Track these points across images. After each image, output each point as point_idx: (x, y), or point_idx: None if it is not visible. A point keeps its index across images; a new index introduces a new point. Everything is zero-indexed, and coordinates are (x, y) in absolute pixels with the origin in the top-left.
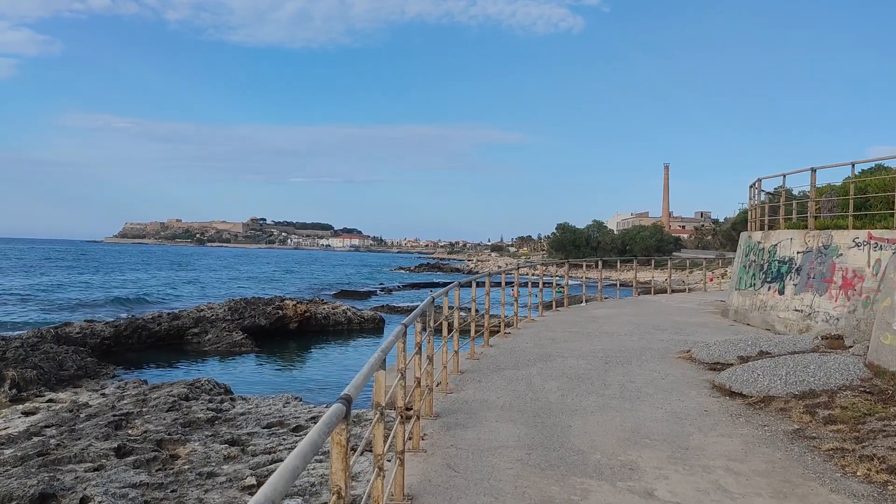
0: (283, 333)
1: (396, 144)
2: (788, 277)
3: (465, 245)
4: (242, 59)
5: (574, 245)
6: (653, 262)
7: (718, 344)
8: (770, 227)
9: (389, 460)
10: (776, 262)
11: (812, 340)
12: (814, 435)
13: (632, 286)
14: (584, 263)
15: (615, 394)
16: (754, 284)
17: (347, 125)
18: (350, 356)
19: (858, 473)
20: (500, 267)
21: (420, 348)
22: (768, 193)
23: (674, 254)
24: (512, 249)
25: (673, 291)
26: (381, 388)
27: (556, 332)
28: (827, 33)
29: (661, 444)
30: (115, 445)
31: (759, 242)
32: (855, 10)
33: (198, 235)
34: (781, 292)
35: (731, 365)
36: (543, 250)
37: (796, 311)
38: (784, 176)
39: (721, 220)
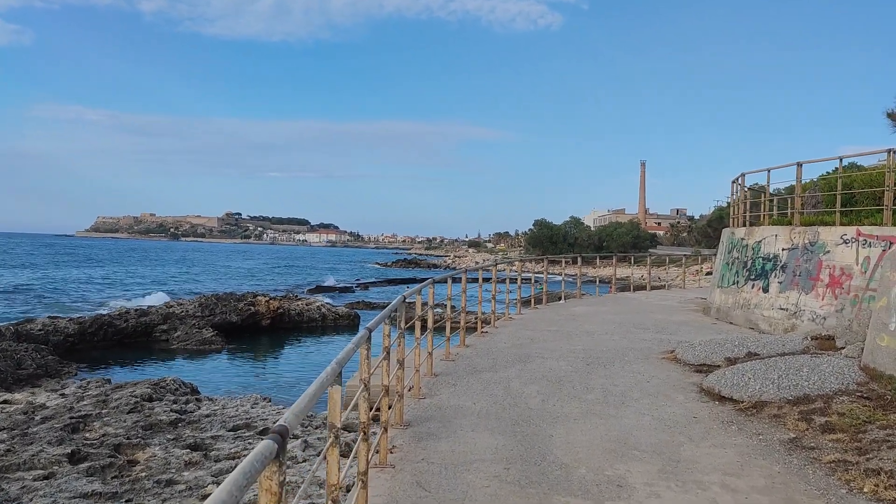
0: (255, 330)
1: (375, 140)
2: (773, 275)
3: (442, 241)
4: (219, 52)
5: (551, 241)
6: (631, 258)
7: (703, 344)
8: (753, 224)
9: (349, 488)
10: (760, 259)
11: (801, 341)
12: (812, 445)
13: (610, 283)
14: (563, 260)
15: (598, 399)
16: (737, 282)
17: (326, 120)
18: (323, 353)
19: (865, 490)
20: (477, 263)
21: (389, 353)
22: (750, 189)
23: (650, 250)
24: (489, 245)
25: (652, 288)
26: (335, 408)
27: (535, 330)
28: (802, 31)
29: (650, 457)
30: (69, 451)
31: (742, 239)
32: (831, 8)
33: (172, 230)
34: (766, 290)
35: (719, 367)
36: (521, 246)
37: (781, 309)
38: (768, 171)
39: (696, 217)
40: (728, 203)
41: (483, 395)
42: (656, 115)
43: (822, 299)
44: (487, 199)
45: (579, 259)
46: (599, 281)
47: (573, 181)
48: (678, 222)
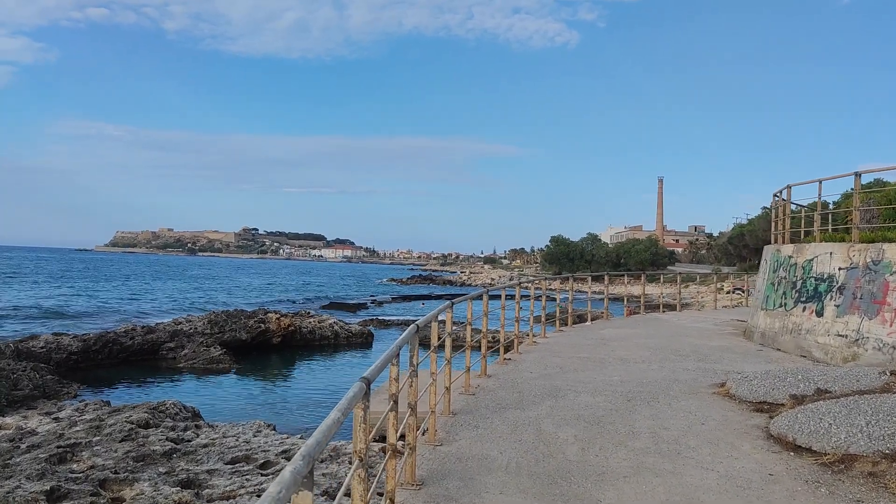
0: (265, 348)
1: (391, 156)
2: (828, 297)
3: (457, 257)
4: (239, 69)
5: (568, 258)
6: (661, 277)
7: (759, 377)
8: (801, 240)
9: None
10: (812, 280)
11: (878, 376)
12: None
13: (628, 301)
14: (590, 277)
15: (648, 447)
16: (785, 304)
17: (343, 136)
18: (335, 373)
19: None
20: (493, 279)
21: (396, 401)
22: (799, 205)
23: (668, 267)
24: (505, 262)
25: (681, 307)
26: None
27: (564, 357)
28: (820, 48)
29: None
30: (49, 487)
31: (790, 257)
32: (850, 26)
33: (189, 245)
34: (820, 314)
35: (782, 406)
36: (536, 263)
37: (839, 336)
38: (820, 182)
39: (715, 234)
40: (770, 218)
41: (511, 442)
42: (673, 132)
43: (891, 325)
44: (503, 215)
45: (606, 277)
46: (617, 299)
47: (589, 197)
48: (696, 239)
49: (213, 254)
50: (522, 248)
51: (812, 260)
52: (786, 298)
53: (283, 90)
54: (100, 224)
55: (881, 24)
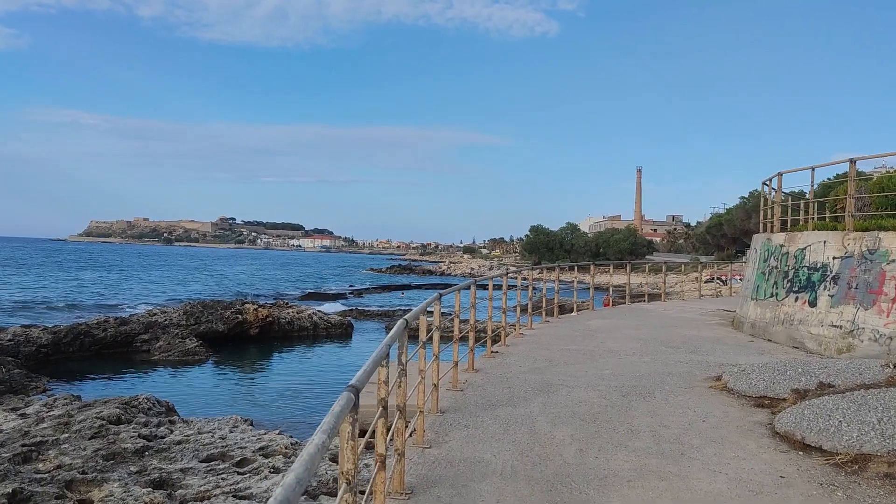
0: (242, 340)
1: (371, 145)
2: (822, 287)
3: (437, 246)
4: (217, 57)
5: (548, 247)
6: (646, 267)
7: (757, 369)
8: (792, 228)
9: None
10: (805, 269)
11: (882, 369)
12: None
13: (613, 290)
14: (576, 267)
15: (650, 447)
16: (777, 294)
17: (321, 125)
18: (313, 365)
19: None
20: (472, 269)
21: (386, 407)
22: (786, 193)
23: (647, 257)
24: (484, 251)
25: (663, 298)
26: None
27: (553, 350)
28: (797, 36)
29: None
30: (10, 490)
31: (781, 246)
32: (826, 12)
33: (165, 235)
34: (813, 304)
35: (783, 401)
36: (516, 252)
37: (833, 326)
38: (813, 169)
39: (693, 224)
40: (759, 206)
41: (504, 443)
42: (651, 122)
43: (887, 316)
44: (483, 204)
45: (592, 267)
46: (600, 289)
47: (568, 187)
48: (674, 229)
49: (189, 244)
50: (502, 238)
51: (805, 249)
52: (777, 288)
53: (262, 78)
54: (74, 213)
55: (862, 10)
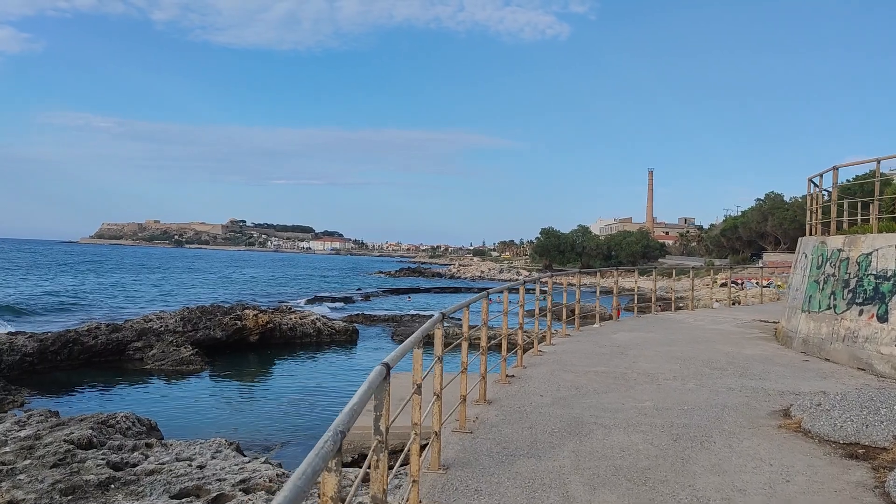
0: (242, 347)
1: (381, 148)
2: (893, 299)
3: (446, 249)
4: (229, 60)
5: (558, 250)
6: (672, 273)
7: (837, 404)
8: (850, 230)
9: None
10: (871, 278)
11: None
12: None
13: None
14: (599, 273)
15: None
16: (835, 306)
17: (332, 128)
18: (316, 376)
19: None
20: (482, 273)
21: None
22: (827, 191)
23: (659, 260)
24: (494, 254)
25: (691, 307)
26: None
27: (578, 372)
28: (812, 39)
29: None
30: None
31: (839, 250)
32: (843, 14)
33: (176, 237)
34: (883, 319)
35: (885, 451)
36: (526, 255)
37: None
38: (878, 161)
39: (705, 226)
40: (807, 206)
41: None
42: (663, 124)
43: None
44: (492, 207)
45: (615, 272)
46: (607, 292)
47: (578, 190)
48: (687, 231)
49: (200, 246)
50: (512, 241)
51: (870, 254)
52: (835, 299)
53: (273, 82)
54: (85, 216)
55: (877, 12)
